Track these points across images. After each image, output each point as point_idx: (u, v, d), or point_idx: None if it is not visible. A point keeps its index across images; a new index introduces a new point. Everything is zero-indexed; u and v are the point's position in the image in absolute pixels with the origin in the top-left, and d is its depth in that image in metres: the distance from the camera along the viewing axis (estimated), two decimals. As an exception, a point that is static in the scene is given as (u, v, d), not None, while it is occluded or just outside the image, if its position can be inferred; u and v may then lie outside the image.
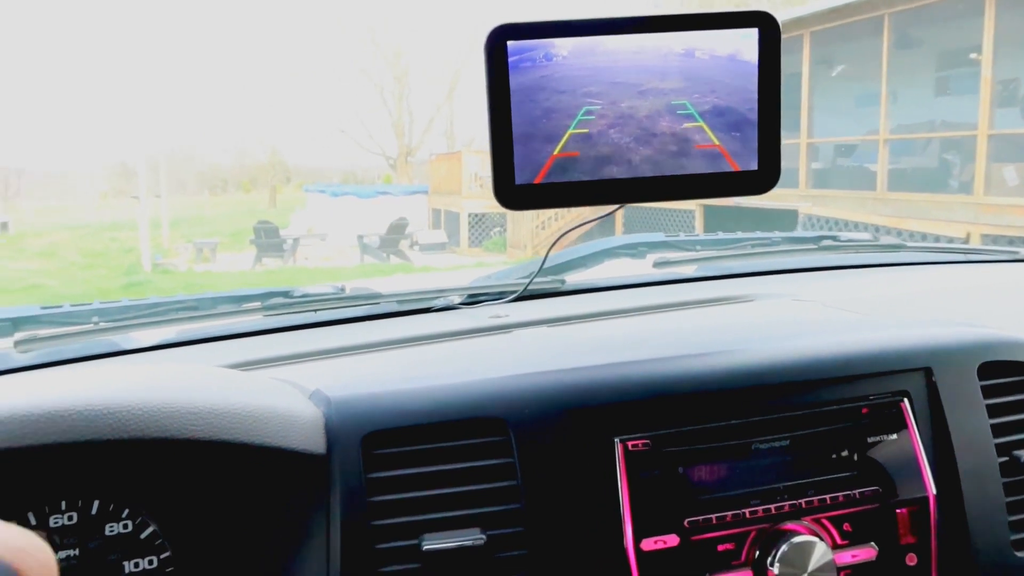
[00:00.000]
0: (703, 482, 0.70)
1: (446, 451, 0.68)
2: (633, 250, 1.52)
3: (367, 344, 1.07)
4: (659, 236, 1.54)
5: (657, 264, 1.49)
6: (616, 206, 0.87)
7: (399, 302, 1.31)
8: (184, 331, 1.18)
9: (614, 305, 1.27)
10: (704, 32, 0.78)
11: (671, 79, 0.79)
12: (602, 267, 1.51)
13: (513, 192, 0.77)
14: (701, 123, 0.81)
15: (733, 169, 0.81)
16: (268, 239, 12.38)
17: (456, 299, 1.33)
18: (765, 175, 0.81)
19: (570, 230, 1.19)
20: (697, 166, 0.81)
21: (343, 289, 1.34)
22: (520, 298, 1.37)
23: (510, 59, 0.76)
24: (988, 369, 0.79)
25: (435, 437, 0.69)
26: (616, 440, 0.69)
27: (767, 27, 0.78)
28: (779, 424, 0.72)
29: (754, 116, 0.80)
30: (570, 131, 0.79)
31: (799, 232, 1.55)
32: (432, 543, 0.65)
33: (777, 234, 1.58)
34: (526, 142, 0.77)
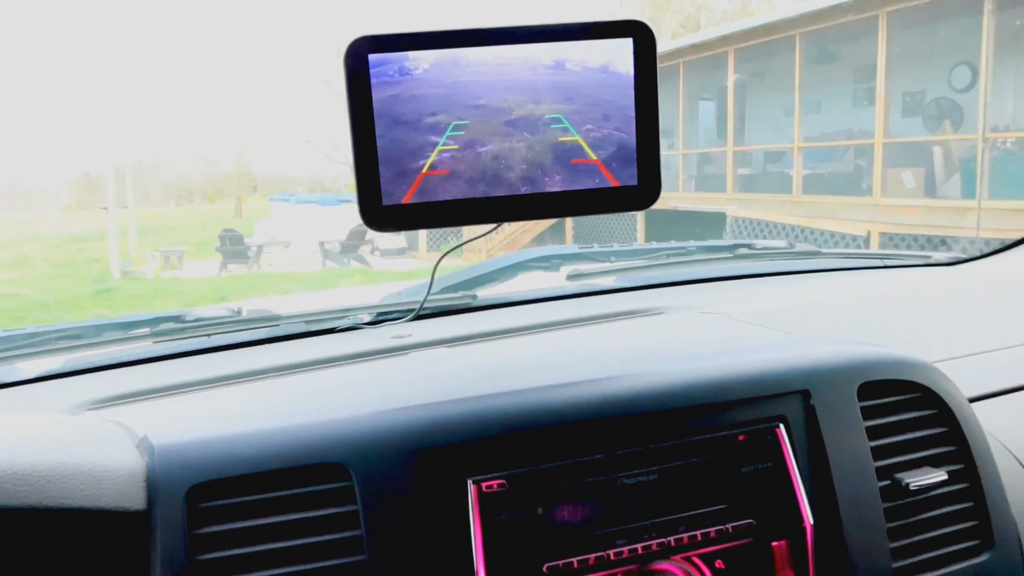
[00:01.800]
0: (565, 523, 0.63)
1: (281, 501, 0.61)
2: (547, 263, 1.45)
3: (255, 371, 0.99)
4: (573, 248, 1.48)
5: (571, 276, 1.43)
6: (494, 225, 0.81)
7: (301, 323, 1.23)
8: (70, 360, 1.09)
9: (523, 321, 1.20)
10: (578, 43, 0.72)
11: (544, 92, 0.73)
12: (515, 281, 1.45)
13: (380, 213, 0.70)
14: (577, 137, 0.74)
15: (612, 184, 0.75)
16: (233, 246, 12.52)
17: (364, 317, 1.26)
18: (645, 190, 0.75)
19: (459, 244, 1.12)
20: (575, 182, 0.75)
21: (239, 311, 1.26)
22: (426, 315, 1.30)
23: (372, 73, 0.69)
24: (868, 389, 0.74)
25: (269, 486, 0.61)
26: (469, 481, 0.63)
27: (642, 37, 0.72)
28: (647, 457, 0.66)
29: (632, 129, 0.74)
30: (439, 148, 0.72)
31: (715, 241, 1.50)
32: None
33: (693, 243, 1.53)
34: (392, 160, 0.71)
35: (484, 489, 0.62)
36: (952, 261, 1.62)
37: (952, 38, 7.62)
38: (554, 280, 1.47)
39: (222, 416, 0.72)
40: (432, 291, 1.41)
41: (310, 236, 13.48)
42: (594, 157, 0.75)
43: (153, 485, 0.60)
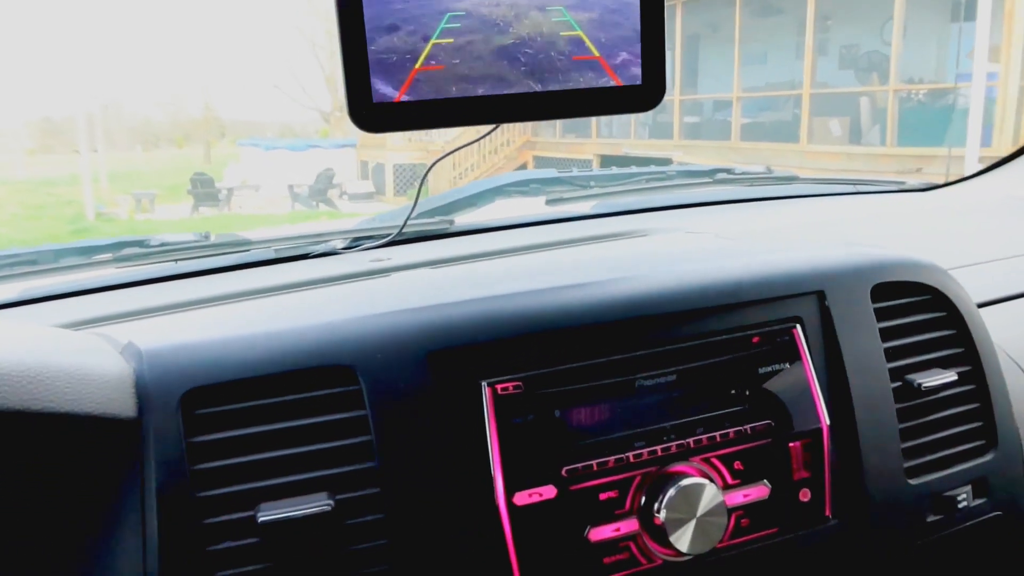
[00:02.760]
0: (582, 426, 0.60)
1: (284, 406, 0.56)
2: (525, 187, 1.40)
3: (226, 295, 0.92)
4: (551, 172, 1.43)
5: (550, 202, 1.38)
6: (492, 126, 0.75)
7: (273, 249, 1.16)
8: (27, 289, 1.01)
9: (504, 244, 1.16)
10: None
11: (544, -19, 0.67)
12: (493, 206, 1.39)
13: (371, 112, 0.64)
14: (579, 32, 0.69)
15: (615, 84, 0.70)
16: (204, 189, 12.71)
17: (339, 243, 1.20)
18: (650, 90, 0.70)
19: (450, 153, 1.05)
20: (576, 80, 0.69)
21: (207, 236, 1.19)
22: (405, 241, 1.24)
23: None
24: (881, 291, 0.71)
25: (270, 391, 0.56)
26: (483, 384, 0.58)
27: None
28: (665, 358, 0.63)
29: (636, 25, 0.69)
30: (432, 40, 0.66)
31: (695, 166, 1.47)
32: (269, 514, 0.53)
33: (672, 168, 1.50)
34: (383, 54, 0.64)
35: (499, 391, 0.58)
36: (925, 187, 1.62)
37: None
38: (533, 205, 1.42)
39: (209, 325, 0.67)
40: (416, 203, 1.36)
41: (280, 180, 13.58)
42: (597, 53, 0.69)
43: (143, 391, 0.54)
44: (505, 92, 0.68)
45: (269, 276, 1.02)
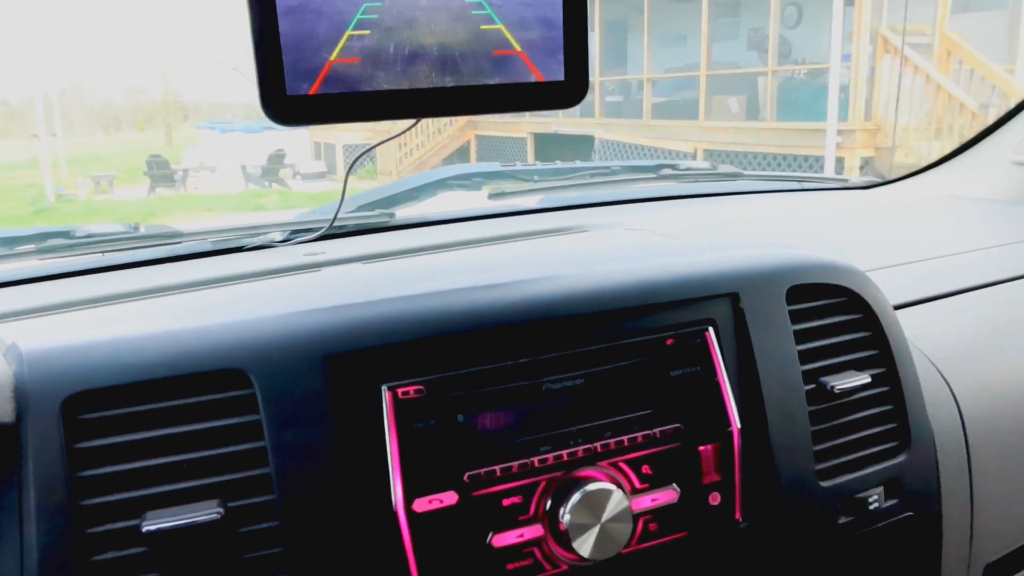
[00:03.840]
0: (486, 430, 0.59)
1: (173, 411, 0.54)
2: (467, 181, 1.39)
3: (148, 289, 0.90)
4: (495, 166, 1.42)
5: (492, 195, 1.37)
6: (413, 120, 0.73)
7: (207, 241, 1.13)
8: None
9: (443, 239, 1.14)
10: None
11: (465, -25, 0.65)
12: (435, 199, 1.38)
13: (284, 104, 0.62)
14: (500, 26, 0.67)
15: (537, 79, 0.69)
16: (159, 171, 13.06)
17: (277, 236, 1.17)
18: (572, 86, 0.69)
19: (372, 148, 1.03)
20: (497, 75, 0.68)
21: (137, 228, 1.15)
22: (345, 234, 1.22)
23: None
24: (797, 293, 0.71)
25: (158, 395, 0.54)
26: (383, 388, 0.57)
27: None
28: (573, 361, 0.62)
29: (559, 20, 0.68)
30: (348, 32, 0.64)
31: (639, 161, 1.46)
32: (155, 523, 0.51)
33: (617, 164, 1.49)
34: (297, 46, 0.62)
35: (400, 395, 0.57)
36: (867, 184, 1.63)
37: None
38: (475, 199, 1.41)
39: (108, 324, 0.64)
40: (348, 210, 1.34)
41: (235, 161, 13.88)
42: (518, 48, 0.68)
43: (23, 395, 0.52)
44: (424, 87, 0.66)
45: (200, 269, 0.99)
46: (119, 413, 0.53)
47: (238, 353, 0.55)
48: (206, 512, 0.52)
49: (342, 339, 0.57)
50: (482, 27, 0.67)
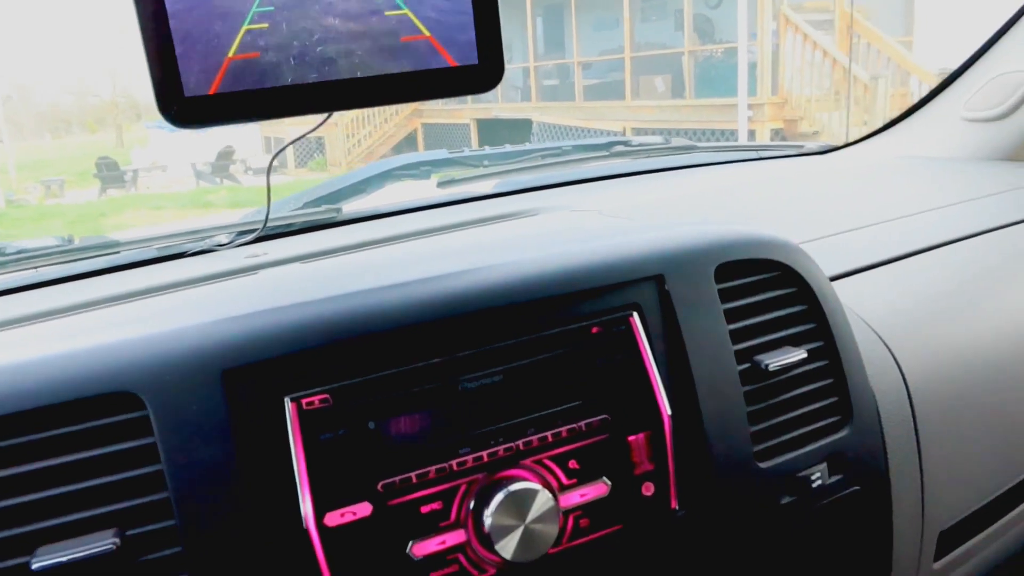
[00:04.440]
0: (401, 436, 0.56)
1: (60, 440, 0.51)
2: (415, 170, 1.35)
3: (85, 303, 0.86)
4: (443, 153, 1.38)
5: (442, 183, 1.33)
6: (325, 114, 0.70)
7: (149, 248, 1.10)
8: None
9: (391, 231, 1.11)
10: None
11: (364, -43, 0.62)
12: (383, 191, 1.34)
13: (184, 106, 0.58)
14: (406, 10, 0.64)
15: (450, 64, 0.65)
16: (109, 172, 13.16)
17: (222, 239, 1.14)
18: (487, 69, 0.65)
19: (291, 143, 1.00)
20: (408, 63, 0.64)
21: (70, 240, 1.12)
22: (288, 233, 1.19)
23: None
24: (726, 270, 0.69)
25: (44, 424, 0.51)
26: (286, 399, 0.54)
27: None
28: (491, 357, 0.59)
29: (468, 1, 0.64)
30: (245, 27, 0.60)
31: (591, 140, 1.44)
32: (46, 559, 0.49)
33: (568, 143, 1.46)
34: (191, 44, 0.58)
35: (304, 406, 0.54)
36: (823, 149, 1.61)
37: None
38: (424, 189, 1.37)
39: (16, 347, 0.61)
40: (295, 207, 1.30)
41: (186, 160, 13.97)
42: (427, 33, 0.65)
43: None
44: (330, 79, 0.63)
45: (138, 279, 0.96)
46: (6, 445, 0.50)
47: (127, 374, 0.52)
48: (100, 543, 0.49)
49: (239, 352, 0.54)
50: (387, 12, 0.63)
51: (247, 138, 15.67)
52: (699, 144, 1.55)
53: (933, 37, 8.48)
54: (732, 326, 0.68)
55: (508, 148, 1.43)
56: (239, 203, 10.39)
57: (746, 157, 1.56)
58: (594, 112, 10.56)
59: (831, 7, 8.31)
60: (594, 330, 0.63)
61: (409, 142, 14.32)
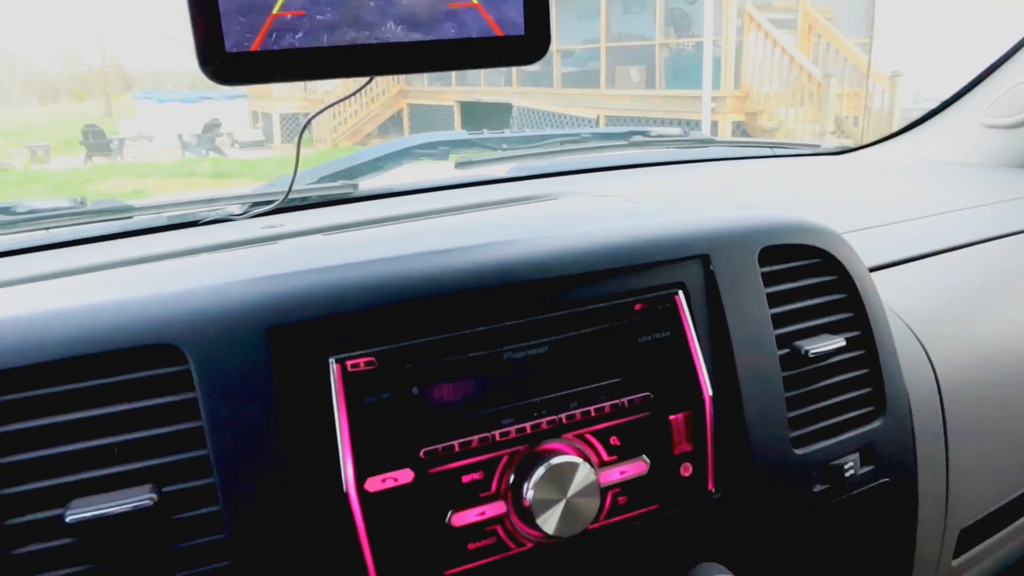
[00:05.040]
0: (444, 403, 0.55)
1: (98, 390, 0.50)
2: (434, 150, 1.34)
3: (100, 265, 0.84)
4: (462, 134, 1.37)
5: (459, 165, 1.32)
6: (366, 79, 0.69)
7: (161, 215, 1.08)
8: None
9: (408, 210, 1.10)
10: None
11: (415, -83, 0.60)
12: (400, 170, 1.33)
13: (224, 62, 0.57)
14: None
15: (496, 33, 0.64)
16: (95, 140, 13.07)
17: (235, 209, 1.12)
18: (533, 41, 0.64)
19: (324, 109, 0.98)
20: (453, 29, 0.63)
21: (83, 202, 1.09)
22: (307, 206, 1.17)
23: None
24: (769, 255, 0.68)
25: (84, 374, 0.50)
26: (331, 360, 0.53)
27: None
28: (536, 328, 0.58)
29: None
30: (292, -19, 0.59)
31: (610, 128, 1.42)
32: (80, 511, 0.47)
33: (587, 131, 1.45)
34: (235, -4, 0.57)
35: (349, 368, 0.53)
36: (839, 150, 1.61)
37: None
38: (442, 169, 1.36)
39: (30, 300, 0.59)
40: (310, 181, 1.28)
41: (172, 131, 14.05)
42: (475, 0, 0.63)
43: None
44: (373, 42, 0.61)
45: (152, 244, 0.94)
46: (38, 394, 0.49)
47: (170, 326, 0.51)
48: (137, 498, 0.48)
49: (285, 309, 0.53)
50: (436, -25, 0.62)
51: (234, 111, 15.70)
52: (717, 139, 1.54)
53: (890, 39, 8.98)
54: (774, 310, 0.67)
55: (527, 132, 1.42)
56: (222, 174, 10.50)
57: (763, 154, 1.56)
58: (570, 99, 10.95)
59: (796, 7, 8.77)
60: (637, 307, 0.62)
61: (395, 122, 14.45)
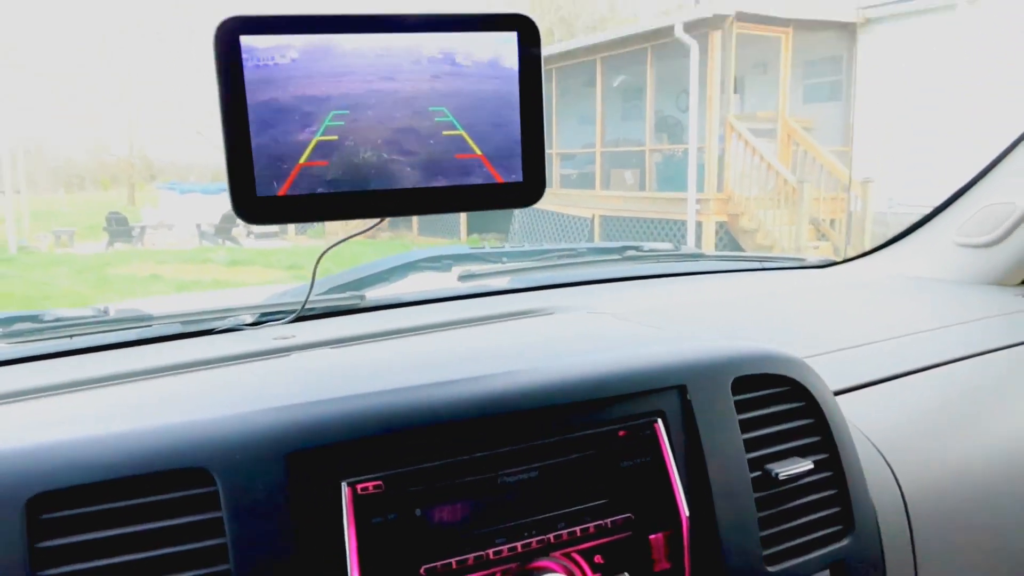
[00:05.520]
0: (444, 523, 0.61)
1: (136, 509, 0.56)
2: (438, 263, 1.43)
3: (122, 374, 0.91)
4: (464, 248, 1.47)
5: (462, 277, 1.41)
6: (378, 219, 0.78)
7: (177, 323, 1.16)
8: None
9: (414, 321, 1.17)
10: (461, 35, 0.70)
11: (427, 84, 0.70)
12: (406, 281, 1.42)
13: (255, 205, 0.66)
14: (461, 131, 0.72)
15: (496, 180, 0.73)
16: (118, 227, 13.91)
17: (246, 318, 1.19)
18: (530, 187, 0.74)
19: (338, 242, 1.07)
20: (459, 177, 0.72)
21: (106, 311, 1.17)
22: (313, 316, 1.25)
23: (244, 56, 0.65)
24: (741, 383, 0.75)
25: (122, 494, 0.56)
26: (343, 484, 0.59)
27: (526, 31, 0.71)
28: (528, 454, 0.65)
29: (516, 125, 0.73)
30: (316, 138, 0.68)
31: (604, 243, 1.52)
32: None
33: (583, 245, 1.55)
34: (267, 149, 0.66)
35: (359, 491, 0.59)
36: (823, 264, 1.70)
37: (679, 72, 10.12)
38: (445, 281, 1.45)
39: (74, 419, 0.66)
40: (318, 291, 1.37)
41: (192, 220, 14.60)
42: (479, 152, 0.73)
43: None
44: (388, 188, 0.70)
45: (169, 353, 1.01)
46: (82, 512, 0.55)
47: (202, 452, 0.57)
48: None
49: (304, 436, 0.59)
50: (444, 133, 0.72)
51: (251, 205, 16.41)
52: (706, 253, 1.64)
53: (865, 147, 9.71)
54: (746, 435, 0.73)
55: (527, 247, 1.51)
56: (237, 262, 10.98)
57: (750, 267, 1.65)
58: (568, 199, 11.59)
59: (776, 117, 9.60)
60: (621, 433, 0.68)
61: (405, 219, 14.81)
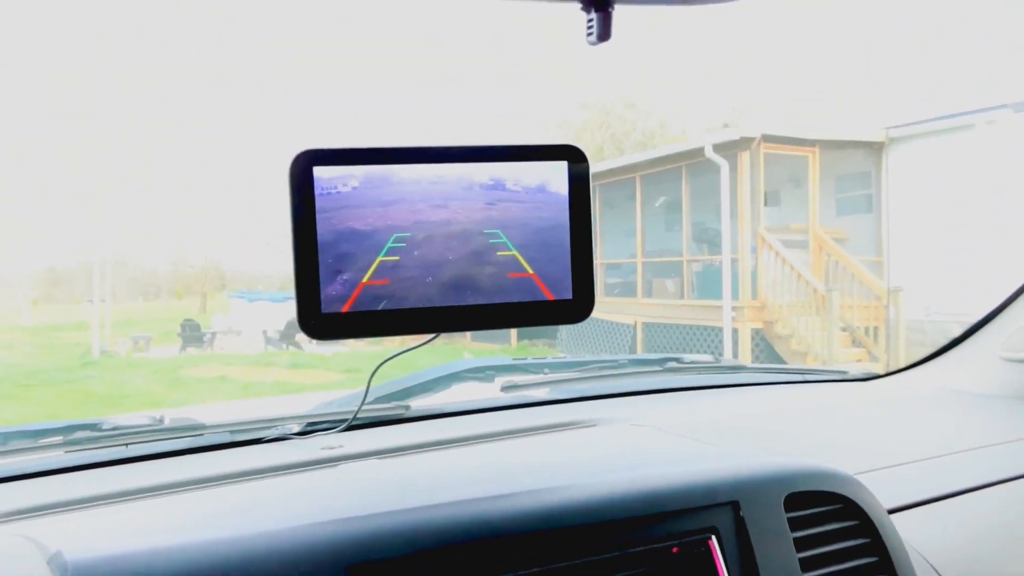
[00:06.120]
0: None
1: None
2: (481, 374, 1.44)
3: (171, 484, 0.93)
4: (506, 360, 1.48)
5: (505, 388, 1.42)
6: (433, 335, 0.81)
7: (227, 432, 1.18)
8: None
9: (458, 432, 1.18)
10: (510, 164, 0.75)
11: (480, 208, 0.74)
12: (449, 391, 1.43)
13: (319, 321, 0.69)
14: (514, 252, 0.76)
15: (548, 298, 0.76)
16: (191, 333, 14.76)
17: (294, 427, 1.21)
18: (580, 303, 0.76)
19: (395, 355, 1.10)
20: (512, 295, 0.75)
21: (161, 420, 1.20)
22: (358, 426, 1.26)
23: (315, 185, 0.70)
24: (794, 500, 0.74)
25: None
26: None
27: (575, 160, 0.75)
28: (584, 570, 0.64)
29: (567, 246, 0.76)
30: (379, 259, 0.72)
31: (646, 355, 1.52)
32: None
33: (624, 356, 1.55)
34: (333, 269, 0.70)
35: None
36: (866, 377, 1.68)
37: (713, 187, 10.24)
38: (488, 391, 1.45)
39: (141, 530, 0.67)
40: (367, 401, 1.38)
41: (259, 327, 15.28)
42: (531, 271, 0.76)
43: None
44: (445, 304, 0.74)
45: (220, 462, 1.03)
46: None
47: (270, 565, 0.58)
48: None
49: (364, 550, 0.60)
50: (498, 253, 0.75)
51: (313, 311, 17.32)
52: (746, 365, 1.63)
53: (899, 259, 9.90)
54: (801, 554, 0.71)
55: (568, 358, 1.52)
56: (298, 365, 11.58)
57: (792, 379, 1.63)
58: (612, 307, 11.99)
59: (807, 229, 10.02)
60: (674, 550, 0.67)
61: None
